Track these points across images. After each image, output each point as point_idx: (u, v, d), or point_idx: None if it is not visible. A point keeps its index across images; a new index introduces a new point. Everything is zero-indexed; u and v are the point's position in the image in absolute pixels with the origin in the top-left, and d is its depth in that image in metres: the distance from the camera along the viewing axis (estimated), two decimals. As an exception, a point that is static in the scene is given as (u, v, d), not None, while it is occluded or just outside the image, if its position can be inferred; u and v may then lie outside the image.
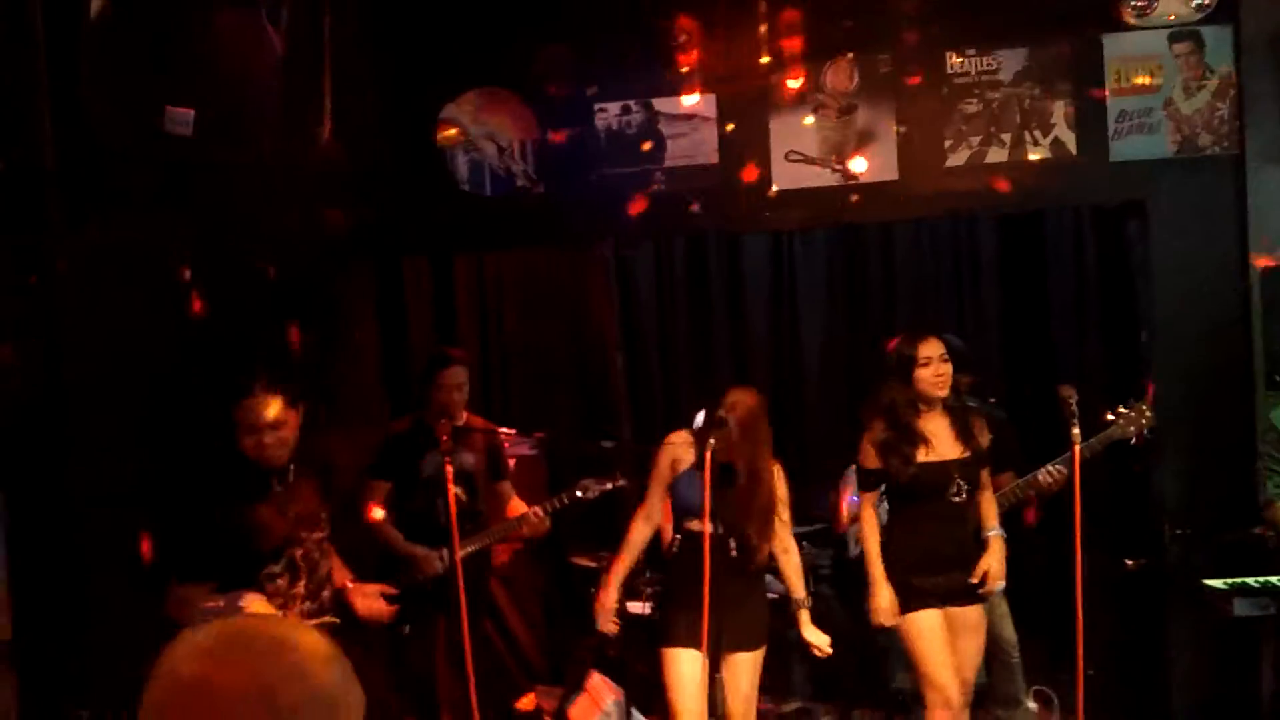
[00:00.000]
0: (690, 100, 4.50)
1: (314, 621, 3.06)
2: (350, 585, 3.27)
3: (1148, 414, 3.90)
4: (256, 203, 3.37)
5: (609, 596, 3.69)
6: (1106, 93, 4.33)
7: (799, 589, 3.67)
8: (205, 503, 2.98)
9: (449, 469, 3.49)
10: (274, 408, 2.98)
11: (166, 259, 3.16)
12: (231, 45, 2.73)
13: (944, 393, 3.60)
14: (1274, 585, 3.59)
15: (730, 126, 4.49)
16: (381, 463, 4.25)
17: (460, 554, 3.64)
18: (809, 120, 4.43)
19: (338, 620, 3.14)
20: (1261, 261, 4.22)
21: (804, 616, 3.66)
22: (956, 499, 3.57)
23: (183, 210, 3.13)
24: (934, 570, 3.58)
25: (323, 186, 3.93)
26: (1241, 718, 4.20)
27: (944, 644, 3.57)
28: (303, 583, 3.07)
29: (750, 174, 4.51)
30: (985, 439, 3.69)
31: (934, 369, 3.57)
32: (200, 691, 1.03)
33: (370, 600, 3.28)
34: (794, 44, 4.43)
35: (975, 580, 3.60)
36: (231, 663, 1.04)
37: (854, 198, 4.46)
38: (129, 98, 2.70)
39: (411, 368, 4.79)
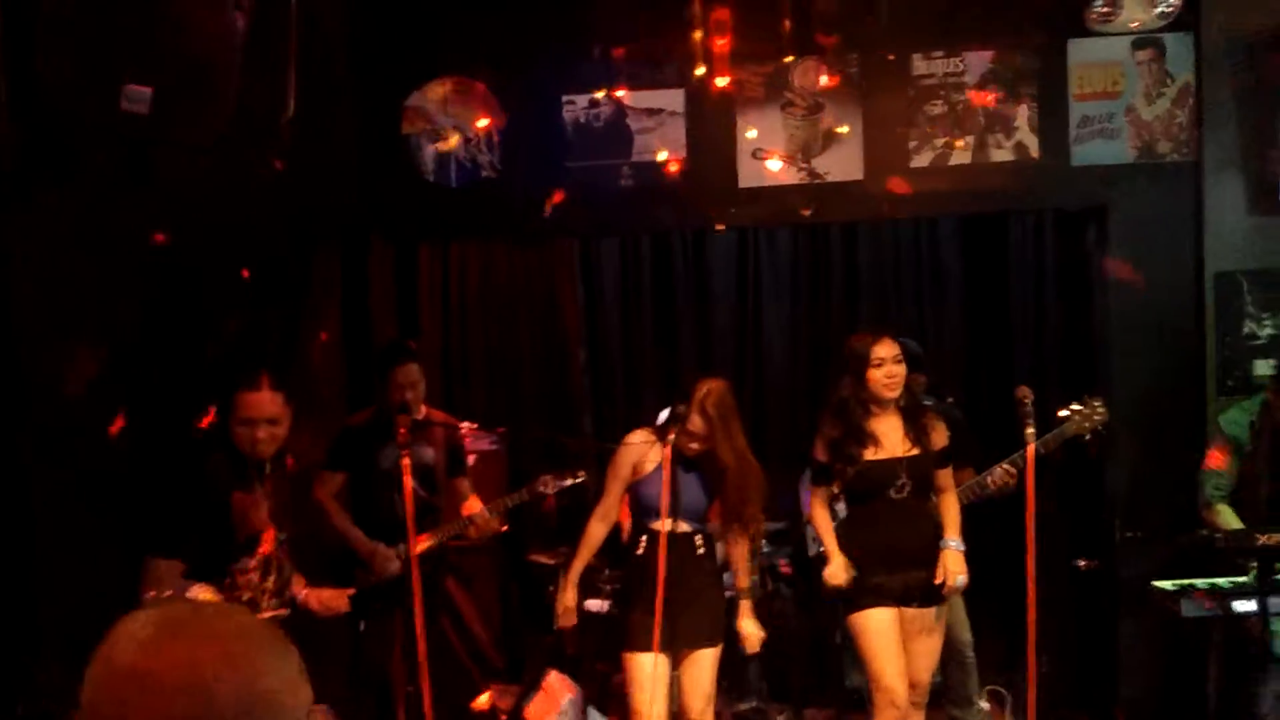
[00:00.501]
0: (650, 96, 4.49)
1: (269, 614, 3.05)
2: (305, 591, 3.26)
3: (1100, 410, 3.93)
4: (217, 184, 3.32)
5: (569, 595, 3.68)
6: (1069, 97, 4.39)
7: (745, 578, 3.66)
8: (191, 484, 2.99)
9: (406, 463, 3.44)
10: (275, 404, 3.04)
11: (128, 236, 3.10)
12: (192, 24, 2.68)
13: (895, 394, 3.60)
14: (1221, 587, 3.64)
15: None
16: (337, 454, 4.19)
17: (415, 550, 3.59)
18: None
19: (286, 611, 3.14)
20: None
21: (745, 606, 3.63)
22: (902, 496, 3.57)
23: (143, 189, 3.06)
24: (890, 568, 3.58)
25: (285, 168, 3.87)
26: (1190, 717, 4.28)
27: (894, 645, 3.57)
28: (273, 578, 3.09)
29: (710, 173, 4.52)
30: (940, 439, 3.67)
31: (887, 370, 3.57)
32: (136, 682, 0.98)
33: (327, 599, 3.29)
34: (765, 42, 4.44)
35: (938, 582, 3.60)
36: (169, 653, 1.00)
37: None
38: (87, 74, 2.63)
39: (373, 359, 4.73)
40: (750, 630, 3.62)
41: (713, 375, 3.69)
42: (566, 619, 3.68)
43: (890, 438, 3.60)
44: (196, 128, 2.76)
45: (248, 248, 3.66)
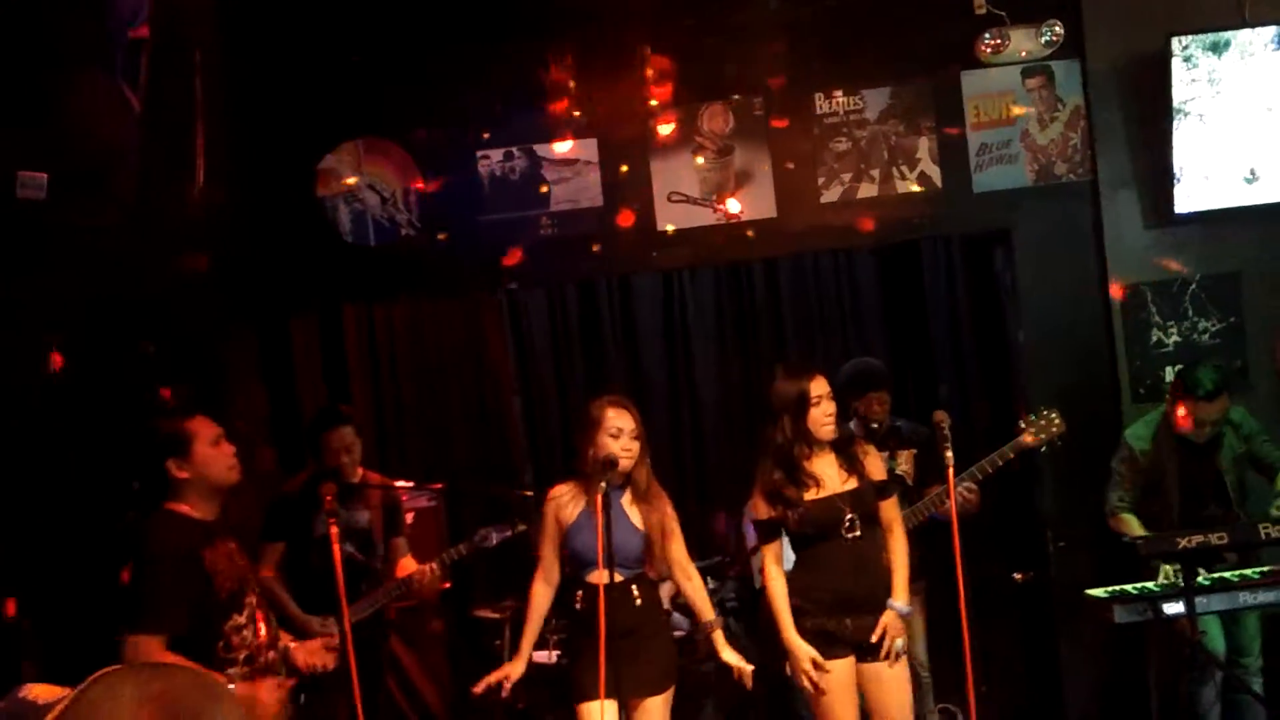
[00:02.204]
0: (563, 147, 4.56)
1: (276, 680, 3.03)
2: (292, 645, 3.22)
3: (1057, 422, 3.98)
4: (123, 264, 3.28)
5: (518, 667, 3.53)
6: (967, 127, 4.55)
7: (708, 611, 3.55)
8: (157, 552, 2.91)
9: (333, 530, 3.40)
10: None
11: (28, 325, 3.05)
12: (84, 107, 2.66)
13: (833, 430, 3.50)
14: (1151, 591, 3.70)
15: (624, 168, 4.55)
16: (273, 524, 4.14)
17: (354, 619, 3.54)
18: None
19: (294, 680, 3.13)
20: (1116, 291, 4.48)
21: (719, 638, 3.50)
22: (851, 535, 3.44)
23: (43, 275, 3.02)
24: (845, 613, 3.43)
25: (196, 242, 3.84)
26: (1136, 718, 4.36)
27: (849, 695, 3.42)
28: (265, 629, 3.05)
29: (628, 219, 4.59)
30: (876, 469, 3.57)
31: (824, 408, 3.47)
32: None
33: (313, 655, 3.23)
34: (671, 89, 4.54)
35: (875, 640, 3.41)
36: None
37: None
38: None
39: (302, 425, 4.69)
40: (733, 659, 3.45)
41: (613, 399, 3.58)
42: (505, 686, 3.52)
43: (828, 474, 3.49)
44: (96, 208, 2.74)
45: (162, 325, 3.62)
